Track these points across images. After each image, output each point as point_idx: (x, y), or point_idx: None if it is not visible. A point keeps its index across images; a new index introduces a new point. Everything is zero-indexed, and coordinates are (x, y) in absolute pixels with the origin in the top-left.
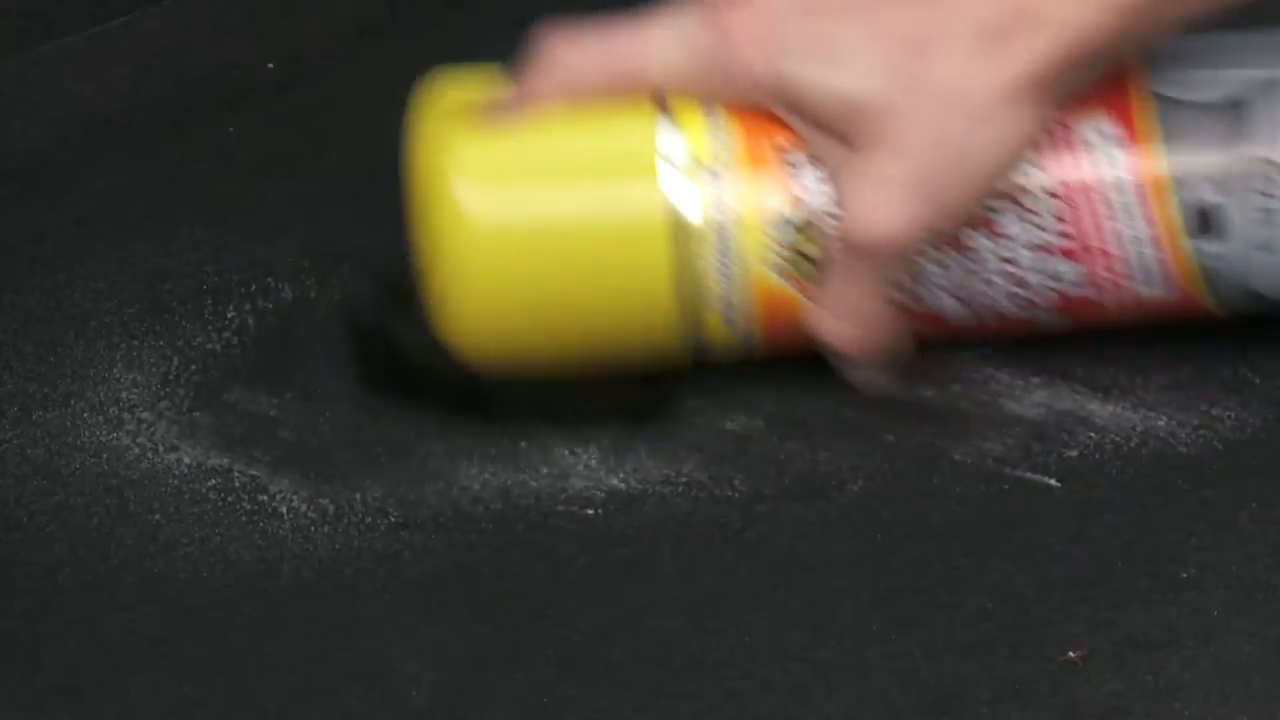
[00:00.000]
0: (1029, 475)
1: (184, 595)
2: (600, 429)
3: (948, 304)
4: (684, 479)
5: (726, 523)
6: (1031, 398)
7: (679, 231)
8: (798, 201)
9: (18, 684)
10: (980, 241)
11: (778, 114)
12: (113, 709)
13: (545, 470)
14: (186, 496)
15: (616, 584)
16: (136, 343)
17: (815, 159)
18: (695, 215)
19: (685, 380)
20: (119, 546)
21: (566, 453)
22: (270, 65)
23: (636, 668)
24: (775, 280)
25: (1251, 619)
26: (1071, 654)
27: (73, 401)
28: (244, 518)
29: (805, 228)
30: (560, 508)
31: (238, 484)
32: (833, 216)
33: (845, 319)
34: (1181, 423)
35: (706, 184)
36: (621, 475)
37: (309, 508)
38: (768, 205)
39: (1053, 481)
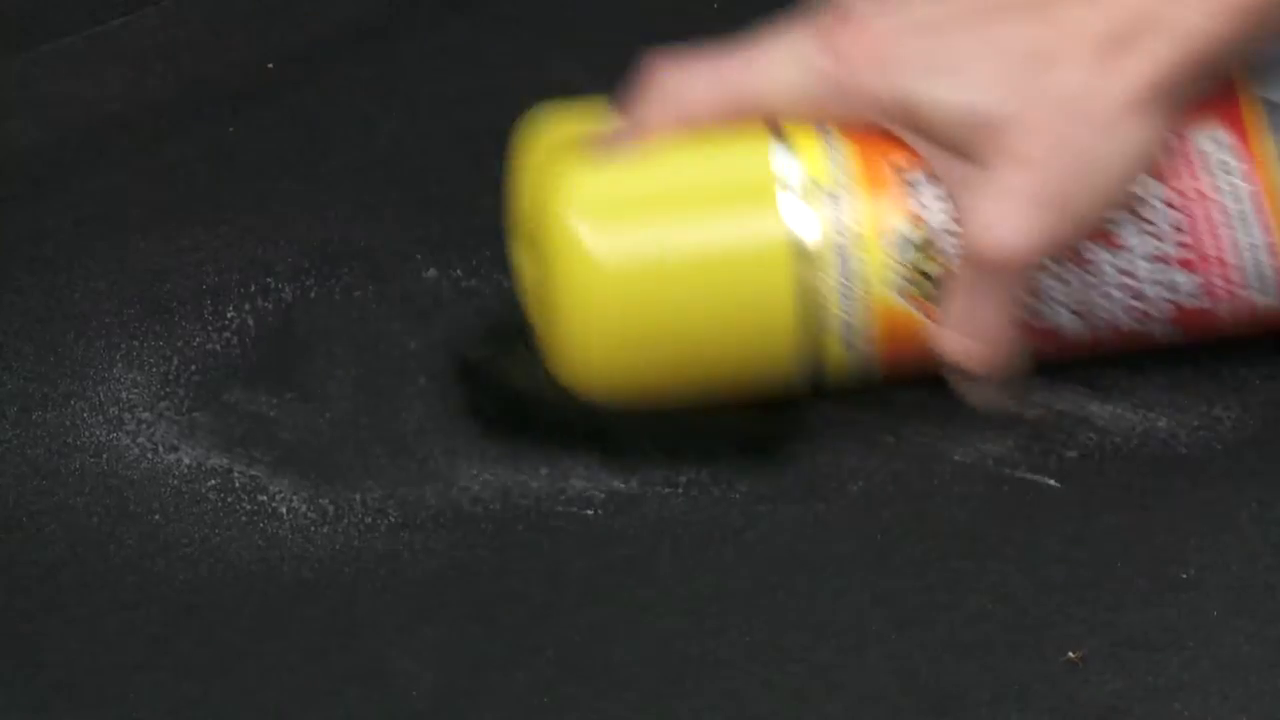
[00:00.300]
0: (1029, 475)
1: (184, 595)
2: (601, 429)
3: (1065, 319)
4: (684, 479)
5: (726, 523)
6: (1031, 398)
7: (800, 257)
8: (917, 220)
9: (18, 684)
10: (1099, 254)
11: (895, 133)
12: (113, 708)
13: (545, 470)
14: (186, 496)
15: (616, 584)
16: (136, 343)
17: (934, 177)
18: (815, 239)
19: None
20: (119, 546)
21: (566, 453)
22: (270, 65)
23: (636, 668)
24: (896, 300)
25: (1251, 619)
26: (1071, 654)
27: (73, 401)
28: (244, 518)
29: (926, 246)
30: (560, 508)
31: (238, 484)
32: (952, 234)
33: (971, 336)
34: (1181, 423)
35: (825, 207)
36: (621, 475)
37: (309, 508)
38: (887, 225)
39: (1053, 481)
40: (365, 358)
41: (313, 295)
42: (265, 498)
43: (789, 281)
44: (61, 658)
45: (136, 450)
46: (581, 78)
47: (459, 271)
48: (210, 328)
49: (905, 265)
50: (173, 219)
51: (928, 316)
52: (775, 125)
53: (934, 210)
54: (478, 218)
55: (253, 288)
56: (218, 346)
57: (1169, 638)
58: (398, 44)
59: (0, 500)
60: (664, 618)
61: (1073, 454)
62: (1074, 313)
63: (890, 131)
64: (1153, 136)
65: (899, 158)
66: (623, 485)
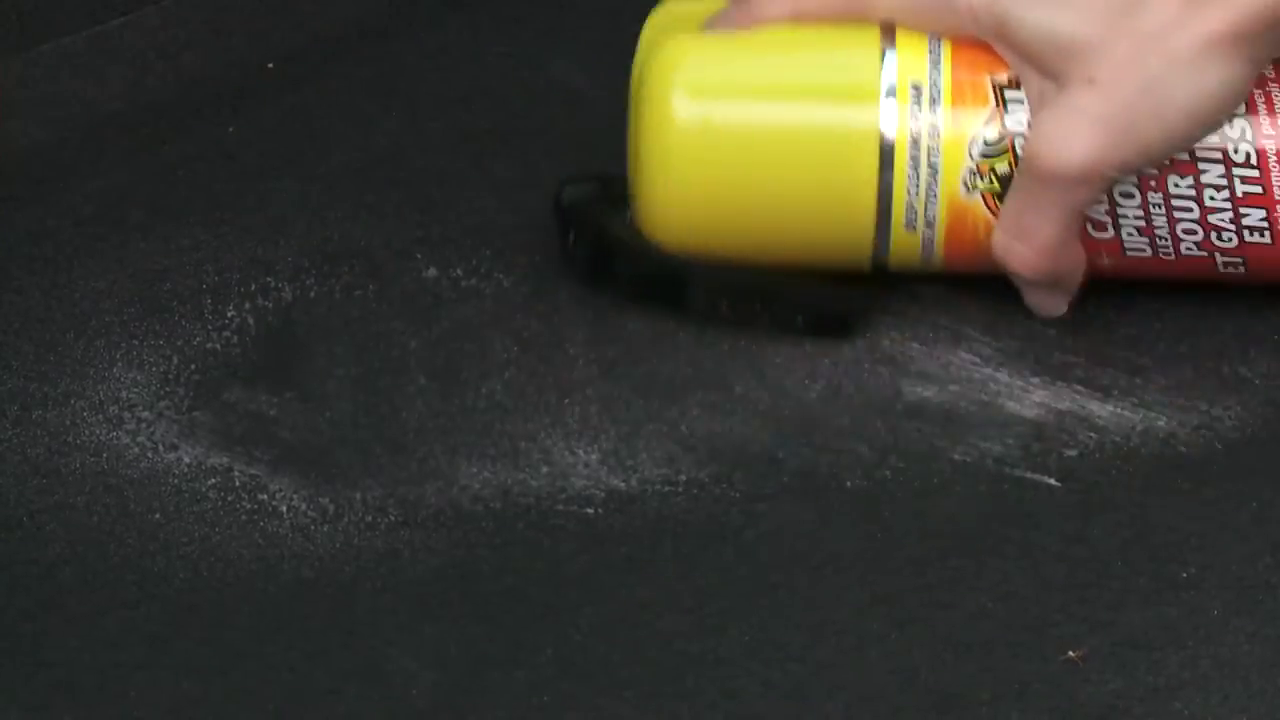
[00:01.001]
0: (1029, 475)
1: (184, 594)
2: (601, 429)
3: (1130, 235)
4: (684, 479)
5: (726, 523)
6: (1031, 398)
7: (884, 148)
8: (1000, 126)
9: (18, 684)
10: (1174, 182)
11: (993, 47)
12: (113, 708)
13: (545, 470)
14: (186, 496)
15: (616, 584)
16: (136, 342)
17: (1027, 92)
18: (901, 135)
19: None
20: (119, 545)
21: (566, 453)
22: (270, 65)
23: (636, 668)
24: (965, 194)
25: (1251, 619)
26: (1071, 654)
27: (72, 401)
28: (244, 517)
29: (1001, 147)
30: (560, 507)
31: (238, 483)
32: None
33: (1023, 240)
34: (1181, 423)
35: (917, 107)
36: (622, 475)
37: (309, 507)
38: (971, 129)
39: (1053, 481)
40: (365, 358)
41: (313, 295)
42: (265, 497)
43: (872, 175)
44: (61, 658)
45: (136, 449)
46: (581, 78)
47: (459, 271)
48: (210, 327)
49: (979, 162)
50: (173, 219)
51: (994, 215)
52: (885, 27)
53: (1020, 118)
54: (478, 218)
55: (253, 287)
56: (218, 346)
57: (1169, 637)
58: (398, 44)
59: (0, 500)
60: (664, 617)
61: (1073, 454)
62: (1139, 231)
63: (990, 46)
64: (1231, 81)
65: (998, 72)
66: (623, 485)
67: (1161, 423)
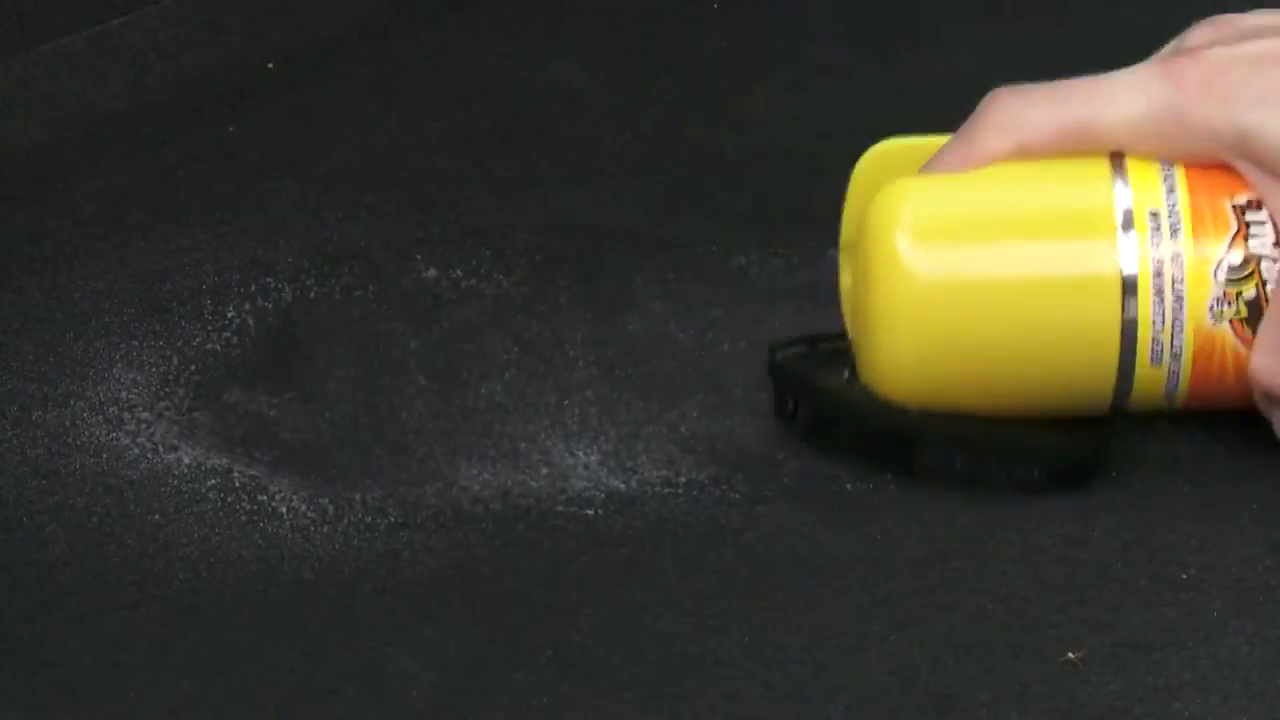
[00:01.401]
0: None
1: (184, 595)
2: (601, 431)
3: None
4: (684, 479)
5: (726, 523)
6: None
7: (1128, 288)
8: (1245, 248)
9: (18, 684)
10: None
11: (1234, 166)
12: (113, 709)
13: (545, 470)
14: (186, 496)
15: (616, 584)
16: (136, 343)
17: (1272, 212)
18: (1145, 270)
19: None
20: (119, 546)
21: (566, 453)
22: (270, 65)
23: (636, 668)
24: (1210, 323)
25: (1251, 619)
26: (1071, 654)
27: (72, 401)
28: (244, 518)
29: (1246, 270)
30: (560, 508)
31: (238, 484)
32: (1276, 261)
33: None
34: (1182, 423)
35: (1158, 238)
36: (621, 476)
37: (309, 508)
38: (1215, 255)
39: None
40: (365, 358)
41: (313, 295)
42: (265, 497)
43: (1115, 311)
44: (61, 658)
45: (136, 450)
46: (581, 78)
47: (459, 271)
48: (210, 328)
49: (1226, 289)
50: (173, 219)
51: (1243, 342)
52: (1114, 156)
53: (1264, 240)
54: (478, 218)
55: (253, 288)
56: (218, 346)
57: (1169, 638)
58: (398, 44)
59: (0, 500)
60: (664, 618)
61: None
62: None
63: (1229, 166)
64: None
65: (1236, 191)
66: (623, 485)
67: (1162, 423)
